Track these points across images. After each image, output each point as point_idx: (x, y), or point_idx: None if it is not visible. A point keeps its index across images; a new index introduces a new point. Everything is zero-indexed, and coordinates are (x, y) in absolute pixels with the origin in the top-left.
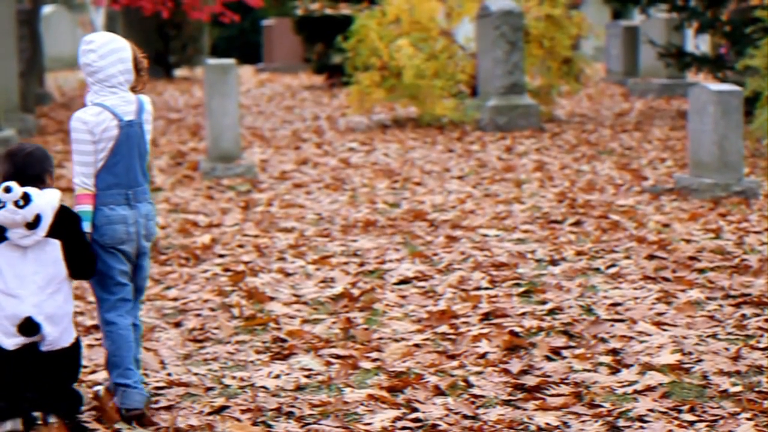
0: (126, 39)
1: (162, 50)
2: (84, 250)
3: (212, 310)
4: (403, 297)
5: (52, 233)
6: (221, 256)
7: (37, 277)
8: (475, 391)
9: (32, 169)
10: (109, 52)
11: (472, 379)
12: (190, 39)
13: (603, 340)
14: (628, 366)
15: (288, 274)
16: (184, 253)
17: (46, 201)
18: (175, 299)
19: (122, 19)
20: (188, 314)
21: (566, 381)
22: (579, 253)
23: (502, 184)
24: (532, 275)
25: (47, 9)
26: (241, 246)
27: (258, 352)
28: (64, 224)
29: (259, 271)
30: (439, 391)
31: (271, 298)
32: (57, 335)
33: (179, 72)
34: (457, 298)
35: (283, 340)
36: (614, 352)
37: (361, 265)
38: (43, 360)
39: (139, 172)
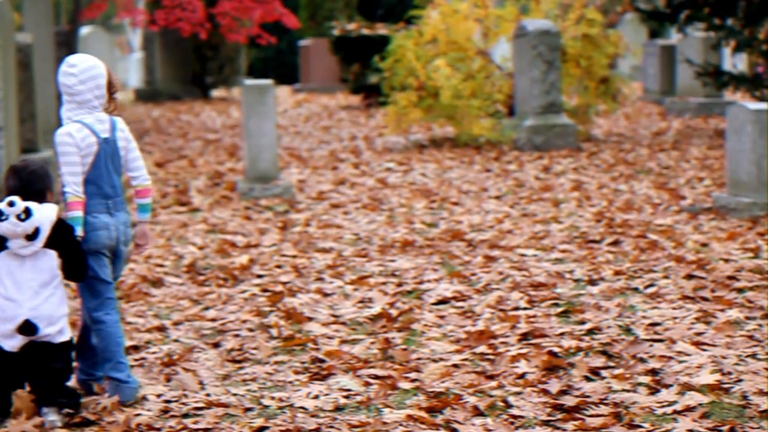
0: (164, 60)
1: (199, 71)
2: (78, 257)
3: (251, 330)
4: (442, 317)
5: (49, 244)
6: (259, 276)
7: (33, 283)
8: (514, 411)
9: (35, 185)
10: (89, 78)
11: (511, 399)
12: (227, 60)
13: (642, 360)
14: (667, 386)
15: (326, 295)
16: (223, 274)
17: (44, 215)
18: (213, 320)
19: (160, 40)
20: (227, 335)
21: (605, 401)
22: (617, 273)
23: (539, 204)
24: (571, 295)
25: (85, 30)
26: (279, 266)
27: (296, 373)
28: (60, 236)
29: (298, 291)
30: (478, 412)
31: (310, 319)
32: (54, 334)
33: (216, 93)
34: (496, 318)
35: (322, 361)
36: (653, 372)
37: (399, 285)
38: (38, 354)
39: (117, 184)
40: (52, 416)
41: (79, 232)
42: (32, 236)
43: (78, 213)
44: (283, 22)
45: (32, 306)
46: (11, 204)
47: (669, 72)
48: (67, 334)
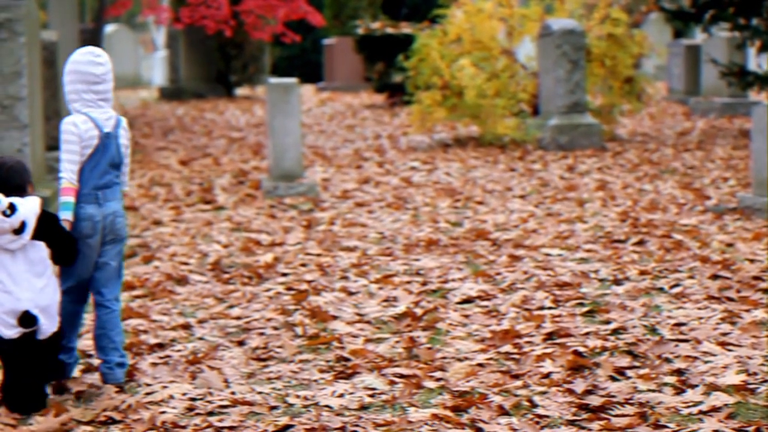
0: (188, 58)
1: (223, 69)
2: (66, 243)
3: (275, 328)
4: (467, 316)
5: (36, 236)
6: (284, 274)
7: (28, 275)
8: (540, 411)
9: (14, 180)
10: (109, 72)
11: (537, 398)
12: (251, 58)
13: (667, 360)
14: (693, 386)
15: (351, 293)
16: (247, 272)
17: (29, 208)
18: (238, 318)
19: (184, 38)
20: (251, 333)
21: (631, 401)
22: (642, 273)
23: (564, 204)
24: (596, 295)
25: (110, 28)
26: (303, 265)
27: (321, 371)
28: (46, 226)
29: (322, 290)
30: (503, 411)
31: (335, 317)
32: (48, 324)
33: (240, 91)
34: (521, 318)
35: (347, 359)
36: (679, 372)
37: (424, 284)
38: (38, 347)
39: (112, 177)
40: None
41: (69, 216)
42: (19, 230)
43: (69, 198)
44: (308, 20)
45: (30, 297)
46: None
47: (694, 72)
48: (56, 322)
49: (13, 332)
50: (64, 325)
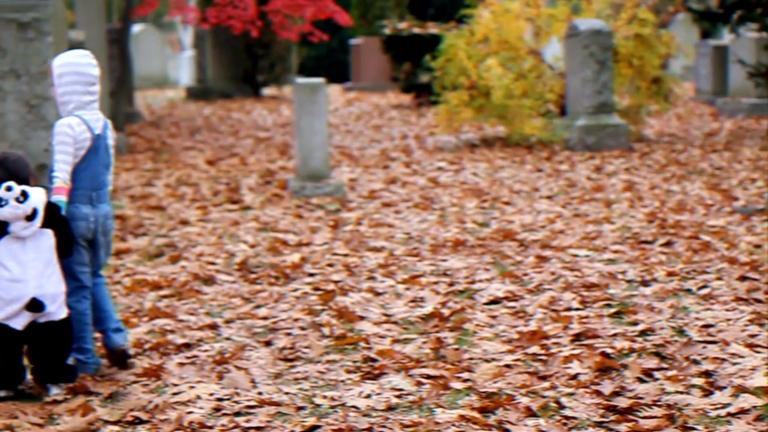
0: (215, 58)
1: (250, 69)
2: (67, 235)
3: (302, 329)
4: (494, 317)
5: (45, 224)
6: (311, 275)
7: (37, 263)
8: (567, 412)
9: (21, 172)
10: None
11: (564, 400)
12: (278, 58)
13: (695, 362)
14: (721, 388)
15: (378, 294)
16: (274, 272)
17: (38, 197)
18: (265, 318)
19: (211, 37)
20: (278, 333)
21: (658, 403)
22: (670, 274)
23: (591, 204)
24: (623, 296)
25: (136, 28)
26: (330, 265)
27: (348, 372)
28: (52, 215)
29: (349, 290)
30: (530, 413)
31: (361, 318)
32: (54, 311)
33: (267, 91)
34: (548, 319)
35: (374, 360)
36: (707, 374)
37: (451, 284)
38: (41, 332)
39: (103, 178)
40: (55, 390)
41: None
42: (31, 216)
43: (62, 198)
44: (335, 20)
45: (38, 284)
46: (9, 189)
47: (721, 72)
48: (65, 311)
49: (19, 322)
50: (75, 326)
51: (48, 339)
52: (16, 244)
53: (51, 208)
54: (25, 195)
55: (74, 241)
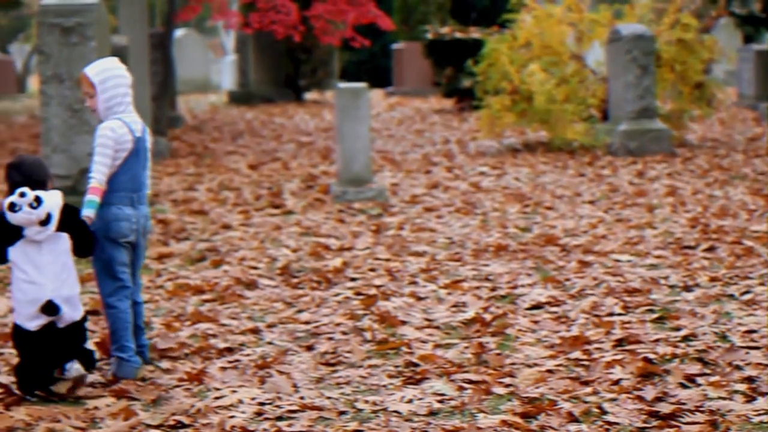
0: (257, 63)
1: (292, 74)
2: (86, 235)
3: (344, 333)
4: (536, 322)
5: (60, 227)
6: (353, 279)
7: (53, 267)
8: (609, 418)
9: (37, 176)
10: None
11: (606, 405)
12: (320, 63)
13: (738, 368)
14: (763, 394)
15: (420, 298)
16: (316, 277)
17: (53, 201)
18: (307, 322)
19: (253, 42)
20: (320, 338)
21: (701, 409)
22: (713, 279)
23: (633, 209)
24: (666, 301)
25: (179, 32)
26: (372, 270)
27: (390, 377)
28: (69, 218)
29: (391, 295)
30: (572, 418)
31: (403, 322)
32: (71, 313)
33: (309, 95)
34: (590, 324)
35: (416, 365)
36: (750, 379)
37: (493, 289)
38: (60, 335)
39: (143, 180)
40: (75, 365)
41: (91, 214)
42: (45, 221)
43: (96, 198)
44: (378, 25)
45: (54, 287)
46: (23, 195)
47: (764, 77)
48: (81, 311)
49: (34, 324)
50: (116, 324)
51: (64, 338)
52: (32, 247)
53: (69, 210)
54: (38, 200)
55: (95, 240)
